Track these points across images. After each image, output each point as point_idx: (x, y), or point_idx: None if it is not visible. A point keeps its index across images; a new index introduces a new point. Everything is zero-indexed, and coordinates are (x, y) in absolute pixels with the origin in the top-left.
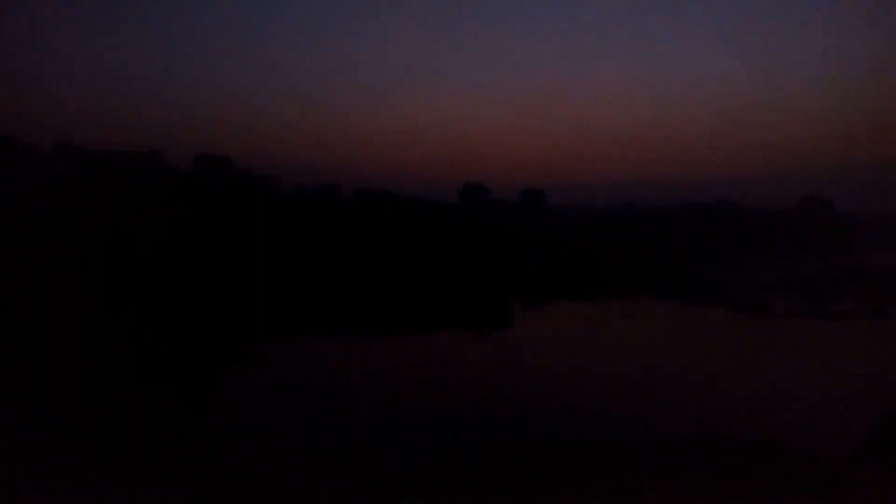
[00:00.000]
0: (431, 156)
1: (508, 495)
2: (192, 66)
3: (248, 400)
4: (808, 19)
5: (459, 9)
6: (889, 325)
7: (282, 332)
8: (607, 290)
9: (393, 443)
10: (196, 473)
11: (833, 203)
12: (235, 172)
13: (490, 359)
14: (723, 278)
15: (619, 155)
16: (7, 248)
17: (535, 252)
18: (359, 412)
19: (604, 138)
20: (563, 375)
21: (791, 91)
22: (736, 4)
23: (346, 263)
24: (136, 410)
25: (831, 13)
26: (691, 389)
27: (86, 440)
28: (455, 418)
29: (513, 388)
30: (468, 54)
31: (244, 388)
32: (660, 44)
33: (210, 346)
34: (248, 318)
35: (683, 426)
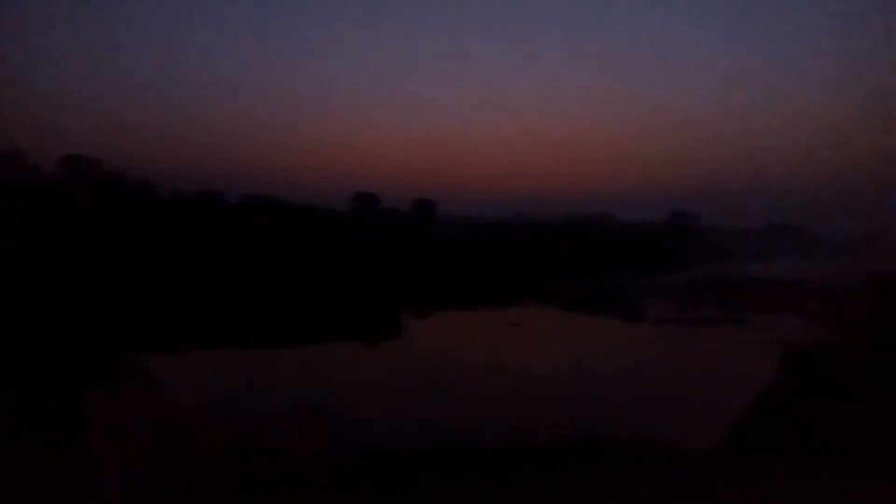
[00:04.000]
0: (322, 164)
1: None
2: (80, 64)
3: (124, 416)
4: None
5: (332, 14)
6: (748, 330)
7: (160, 344)
8: (495, 299)
9: (274, 456)
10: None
11: (700, 216)
12: (106, 175)
13: (377, 368)
14: (601, 287)
15: (509, 167)
16: None
17: (425, 261)
18: (237, 428)
19: (495, 151)
20: (450, 383)
21: (667, 108)
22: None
23: (228, 272)
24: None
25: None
26: (575, 394)
27: None
28: (336, 428)
29: (399, 396)
30: (360, 61)
31: (120, 404)
32: (545, 55)
33: (81, 359)
34: (120, 330)
35: (566, 431)
